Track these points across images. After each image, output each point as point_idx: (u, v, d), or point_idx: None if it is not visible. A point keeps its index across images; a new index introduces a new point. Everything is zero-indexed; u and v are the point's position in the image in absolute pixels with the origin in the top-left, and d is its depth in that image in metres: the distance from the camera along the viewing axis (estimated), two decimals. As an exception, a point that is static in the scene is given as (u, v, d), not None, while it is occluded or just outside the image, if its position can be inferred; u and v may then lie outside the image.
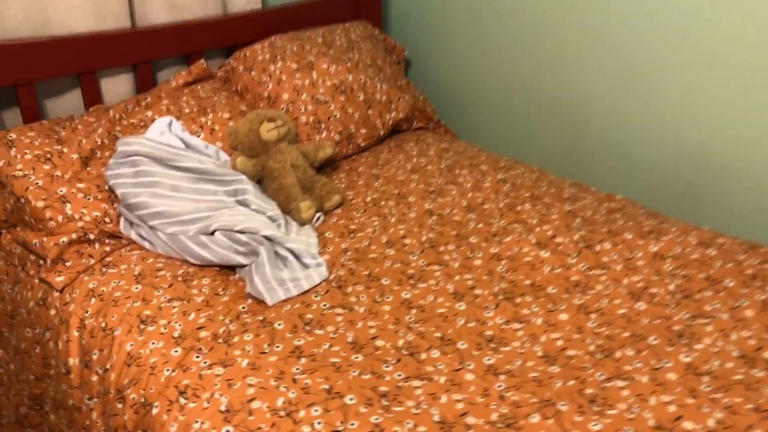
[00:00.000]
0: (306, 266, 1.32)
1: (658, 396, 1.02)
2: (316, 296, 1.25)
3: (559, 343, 1.14)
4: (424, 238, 1.43)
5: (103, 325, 1.22)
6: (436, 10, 2.15)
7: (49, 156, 1.46)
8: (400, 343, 1.14)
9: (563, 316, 1.20)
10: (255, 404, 1.01)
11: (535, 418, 0.98)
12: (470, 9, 2.05)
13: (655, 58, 1.68)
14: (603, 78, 1.79)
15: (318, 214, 1.52)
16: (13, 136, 1.48)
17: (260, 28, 1.91)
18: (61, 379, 1.26)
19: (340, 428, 0.96)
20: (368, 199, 1.58)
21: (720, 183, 1.65)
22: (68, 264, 1.34)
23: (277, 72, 1.75)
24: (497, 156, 1.77)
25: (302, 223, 1.48)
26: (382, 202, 1.56)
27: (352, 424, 0.97)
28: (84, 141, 1.50)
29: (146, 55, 1.73)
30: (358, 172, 1.72)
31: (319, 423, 0.97)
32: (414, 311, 1.22)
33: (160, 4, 1.74)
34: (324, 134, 1.72)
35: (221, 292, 1.27)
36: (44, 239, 1.35)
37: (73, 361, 1.23)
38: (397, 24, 2.30)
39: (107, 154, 1.51)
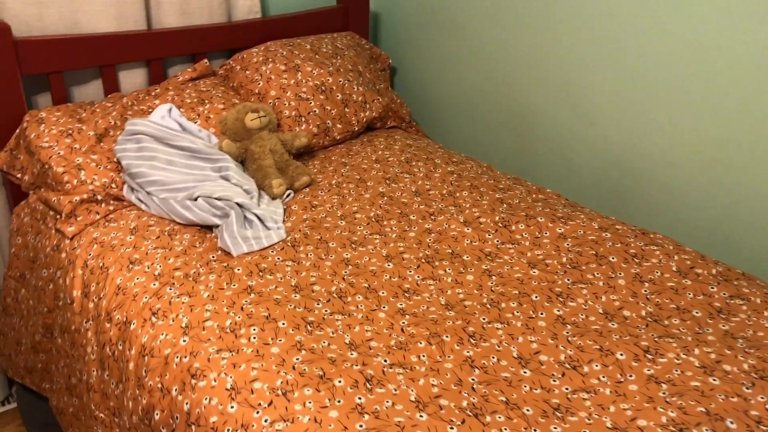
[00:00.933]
0: (268, 229, 1.61)
1: (526, 337, 1.28)
2: (272, 252, 1.54)
3: (461, 295, 1.41)
4: (372, 213, 1.71)
5: (100, 264, 1.52)
6: (416, 27, 2.44)
7: (70, 132, 1.77)
8: (333, 288, 1.42)
9: (469, 277, 1.47)
10: (208, 323, 1.30)
11: (421, 344, 1.25)
12: (444, 28, 2.33)
13: (589, 74, 1.94)
14: (547, 92, 2.06)
15: (288, 191, 1.80)
16: (43, 114, 1.81)
17: (258, 35, 2.21)
18: (67, 308, 1.57)
19: (270, 342, 1.24)
20: (333, 181, 1.86)
21: (641, 183, 1.90)
22: (79, 218, 1.65)
23: (267, 72, 2.05)
24: (453, 152, 2.04)
25: (273, 197, 1.77)
26: (344, 185, 1.84)
27: (280, 340, 1.25)
28: (100, 121, 1.82)
29: (159, 53, 2.04)
30: (330, 160, 2.01)
31: (254, 338, 1.25)
32: (350, 267, 1.50)
33: (173, 10, 2.06)
34: (304, 126, 2.01)
35: (197, 245, 1.56)
36: (61, 197, 1.67)
37: (76, 292, 1.53)
38: (385, 37, 2.60)
39: (118, 133, 1.82)
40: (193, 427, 1.16)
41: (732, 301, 1.39)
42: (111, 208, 1.69)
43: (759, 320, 1.34)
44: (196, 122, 1.90)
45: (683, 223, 1.84)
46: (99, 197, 1.69)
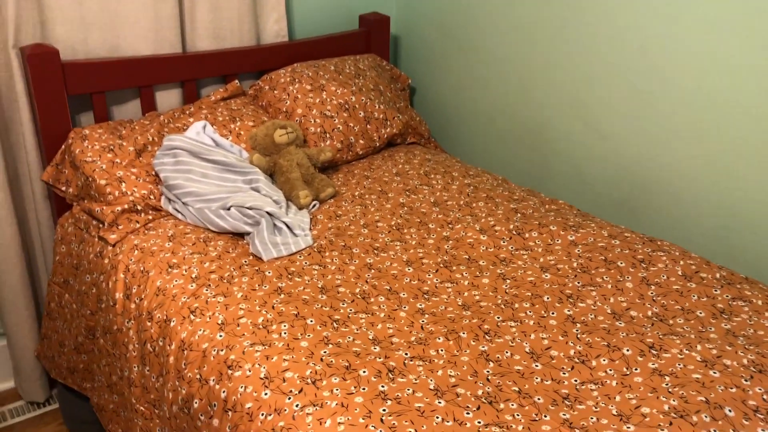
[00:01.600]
0: (296, 236, 1.72)
1: (538, 334, 1.37)
2: (300, 257, 1.64)
3: (477, 297, 1.50)
4: (393, 222, 1.81)
5: (141, 268, 1.64)
6: (435, 49, 2.56)
7: (111, 148, 1.90)
8: (357, 290, 1.52)
9: (485, 280, 1.56)
10: (242, 320, 1.41)
11: (440, 339, 1.35)
12: (461, 50, 2.45)
13: (599, 91, 2.04)
14: (559, 107, 2.16)
15: (314, 202, 1.92)
16: (87, 132, 1.94)
17: (285, 57, 2.34)
18: (109, 310, 1.68)
19: (299, 337, 1.35)
20: (356, 193, 1.97)
21: (650, 194, 1.99)
22: (120, 227, 1.78)
23: (294, 91, 2.18)
24: (470, 166, 2.15)
25: (300, 208, 1.88)
26: (366, 196, 1.95)
27: (309, 335, 1.35)
28: (139, 138, 1.95)
29: (193, 74, 2.18)
30: (353, 173, 2.12)
31: (285, 334, 1.36)
32: (372, 271, 1.60)
33: (206, 34, 2.20)
34: (328, 142, 2.13)
35: (231, 251, 1.67)
36: (104, 208, 1.79)
37: (119, 295, 1.65)
38: (405, 58, 2.72)
39: (156, 148, 1.94)
40: (230, 413, 1.26)
41: (734, 303, 1.47)
42: (150, 217, 1.81)
43: (760, 320, 1.42)
44: (227, 138, 2.02)
45: (690, 232, 1.92)
46: (139, 207, 1.81)
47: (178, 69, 2.14)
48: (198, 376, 1.35)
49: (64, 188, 1.95)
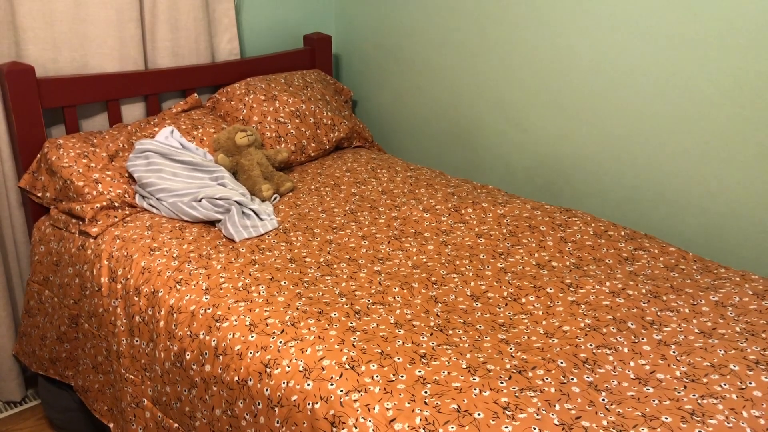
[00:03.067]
0: (263, 220, 1.94)
1: (477, 282, 1.64)
2: (268, 237, 1.87)
3: (424, 259, 1.76)
4: (347, 208, 2.06)
5: (125, 253, 1.83)
6: (373, 63, 2.85)
7: (86, 154, 2.09)
8: (321, 260, 1.76)
9: (430, 247, 1.82)
10: (224, 285, 1.62)
11: (395, 289, 1.60)
12: (396, 62, 2.75)
13: (518, 92, 2.36)
14: (485, 107, 2.47)
15: (275, 195, 2.14)
16: (61, 141, 2.12)
17: (238, 73, 2.58)
18: (94, 294, 1.86)
19: (276, 294, 1.57)
20: (312, 187, 2.22)
21: (568, 181, 2.30)
22: (100, 222, 1.96)
23: (250, 101, 2.41)
24: (411, 163, 2.42)
25: (263, 200, 2.10)
26: (322, 189, 2.20)
27: (284, 293, 1.57)
28: (110, 145, 2.14)
29: (155, 89, 2.39)
30: (308, 172, 2.36)
31: (263, 292, 1.58)
32: (333, 245, 1.84)
33: (166, 53, 2.42)
34: (283, 145, 2.37)
35: (205, 236, 1.88)
36: (84, 205, 1.97)
37: (104, 279, 1.83)
38: (346, 73, 3.00)
39: (127, 154, 2.14)
40: (220, 357, 1.46)
41: (636, 252, 1.77)
42: (127, 212, 2.00)
43: (656, 263, 1.72)
44: (192, 143, 2.23)
45: (602, 205, 2.24)
46: (116, 204, 2.00)
47: (141, 84, 2.35)
48: (188, 333, 1.55)
49: (40, 194, 2.12)
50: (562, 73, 2.22)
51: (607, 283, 1.61)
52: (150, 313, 1.67)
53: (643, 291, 1.58)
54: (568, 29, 2.18)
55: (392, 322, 1.46)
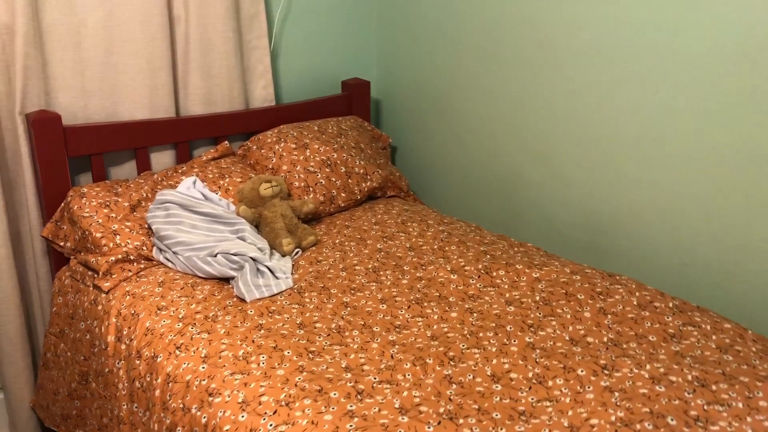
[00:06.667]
0: (278, 278, 1.83)
1: (500, 359, 1.47)
2: (281, 297, 1.76)
3: (445, 329, 1.61)
4: (370, 265, 1.93)
5: (132, 312, 1.75)
6: (414, 110, 2.74)
7: (108, 203, 2.04)
8: (333, 325, 1.63)
9: (453, 314, 1.67)
10: (224, 353, 1.51)
11: (407, 365, 1.44)
12: (436, 110, 2.63)
13: (561, 143, 2.19)
14: (527, 158, 2.31)
15: (297, 250, 2.04)
16: (85, 190, 2.08)
17: (273, 119, 2.51)
18: (102, 353, 1.78)
19: (276, 366, 1.45)
20: (336, 241, 2.10)
21: (609, 238, 2.11)
22: (114, 276, 1.89)
23: (280, 150, 2.33)
24: (445, 215, 2.28)
25: (284, 255, 2.00)
26: (346, 243, 2.08)
27: (285, 365, 1.45)
28: (134, 194, 2.09)
29: (185, 137, 2.34)
30: (335, 224, 2.25)
31: (263, 364, 1.46)
32: (349, 309, 1.71)
33: (198, 100, 2.37)
34: (311, 195, 2.27)
35: (216, 294, 1.78)
36: (99, 258, 1.91)
37: (110, 338, 1.75)
38: (387, 120, 2.90)
39: (149, 204, 2.08)
40: (209, 436, 1.35)
41: (684, 328, 1.57)
42: (142, 266, 1.93)
43: (707, 342, 1.51)
44: (217, 194, 2.16)
45: (649, 270, 2.03)
46: (131, 257, 1.93)
47: (171, 132, 2.30)
48: (181, 406, 1.44)
49: (62, 243, 2.08)
50: (608, 122, 2.05)
51: (647, 366, 1.42)
52: (148, 379, 1.58)
53: (689, 378, 1.37)
54: (615, 75, 2.01)
55: (397, 406, 1.31)
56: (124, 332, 1.72)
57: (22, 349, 2.18)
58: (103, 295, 1.86)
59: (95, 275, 1.93)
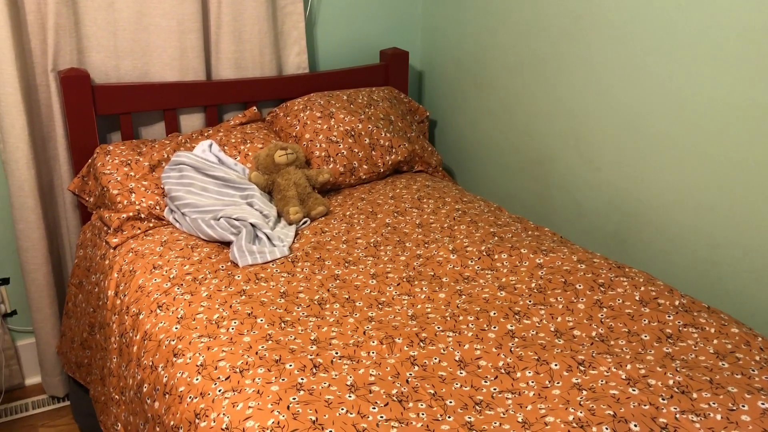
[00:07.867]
0: (274, 246, 1.82)
1: (473, 345, 1.40)
2: (273, 265, 1.74)
3: (428, 309, 1.55)
4: (372, 240, 1.88)
5: (130, 268, 1.78)
6: (454, 83, 2.65)
7: (128, 162, 2.09)
8: (316, 297, 1.60)
9: (441, 295, 1.60)
10: (199, 316, 1.51)
11: (374, 343, 1.40)
12: (475, 84, 2.52)
13: (593, 125, 2.05)
14: (559, 140, 2.18)
15: (305, 219, 2.02)
16: (110, 148, 2.14)
17: (305, 87, 2.49)
18: (103, 306, 1.83)
19: (244, 334, 1.43)
20: (347, 213, 2.06)
21: (639, 226, 1.97)
22: (124, 232, 1.94)
23: (305, 118, 2.31)
24: (466, 193, 2.19)
25: (290, 223, 1.98)
26: (356, 216, 2.04)
27: (254, 332, 1.44)
28: (155, 155, 2.12)
29: (215, 100, 2.36)
30: (353, 196, 2.21)
31: (232, 329, 1.45)
32: (337, 281, 1.67)
33: (229, 64, 2.38)
34: (331, 165, 2.24)
35: (212, 257, 1.79)
36: (112, 214, 1.96)
37: (111, 292, 1.80)
38: (429, 92, 2.82)
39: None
40: (166, 396, 1.35)
41: (685, 329, 1.44)
42: (151, 225, 1.97)
43: (706, 347, 1.39)
44: (236, 158, 2.17)
45: (675, 264, 1.88)
46: (142, 215, 1.97)
47: (200, 95, 2.32)
48: (151, 363, 1.46)
49: (87, 198, 2.15)
50: (642, 108, 1.90)
51: (628, 366, 1.31)
52: (131, 335, 1.61)
53: (670, 382, 1.26)
54: (653, 60, 1.85)
55: (348, 383, 1.27)
56: (121, 287, 1.76)
57: (48, 296, 2.28)
58: (111, 251, 1.91)
59: (108, 230, 1.98)
